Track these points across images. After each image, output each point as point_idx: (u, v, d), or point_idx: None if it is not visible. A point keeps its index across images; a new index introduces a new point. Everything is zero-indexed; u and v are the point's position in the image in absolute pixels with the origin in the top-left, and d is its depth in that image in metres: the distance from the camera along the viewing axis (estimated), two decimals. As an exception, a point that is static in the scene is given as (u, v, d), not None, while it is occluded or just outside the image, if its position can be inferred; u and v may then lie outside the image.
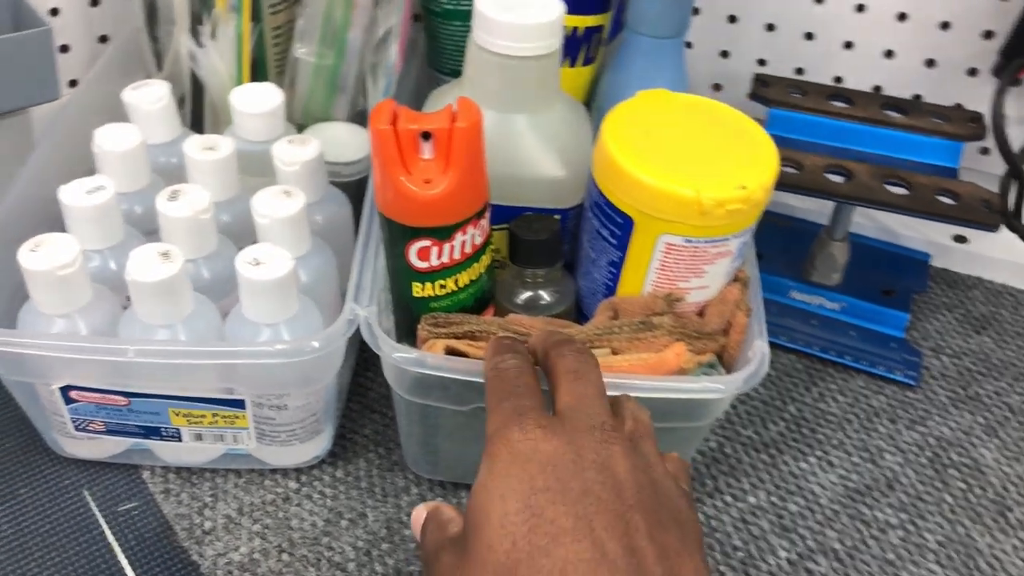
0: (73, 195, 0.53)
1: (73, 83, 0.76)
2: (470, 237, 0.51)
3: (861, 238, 0.77)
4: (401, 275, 0.52)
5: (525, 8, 0.53)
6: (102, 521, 0.56)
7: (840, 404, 0.67)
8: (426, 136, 0.48)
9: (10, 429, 0.60)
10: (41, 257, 0.49)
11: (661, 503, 0.38)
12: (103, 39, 0.76)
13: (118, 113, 0.68)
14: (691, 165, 0.49)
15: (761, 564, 0.57)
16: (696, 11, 0.75)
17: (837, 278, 0.72)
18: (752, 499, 0.60)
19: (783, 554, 0.57)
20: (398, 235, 0.51)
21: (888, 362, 0.69)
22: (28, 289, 0.51)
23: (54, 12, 0.72)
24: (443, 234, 0.50)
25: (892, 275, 0.74)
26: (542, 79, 0.55)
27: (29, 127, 0.74)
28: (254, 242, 0.61)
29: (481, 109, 0.49)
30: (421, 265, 0.51)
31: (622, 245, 0.51)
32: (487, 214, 0.52)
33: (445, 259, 0.51)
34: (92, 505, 0.56)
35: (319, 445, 0.58)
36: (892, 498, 0.61)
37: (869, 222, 0.77)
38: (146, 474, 0.58)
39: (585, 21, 0.60)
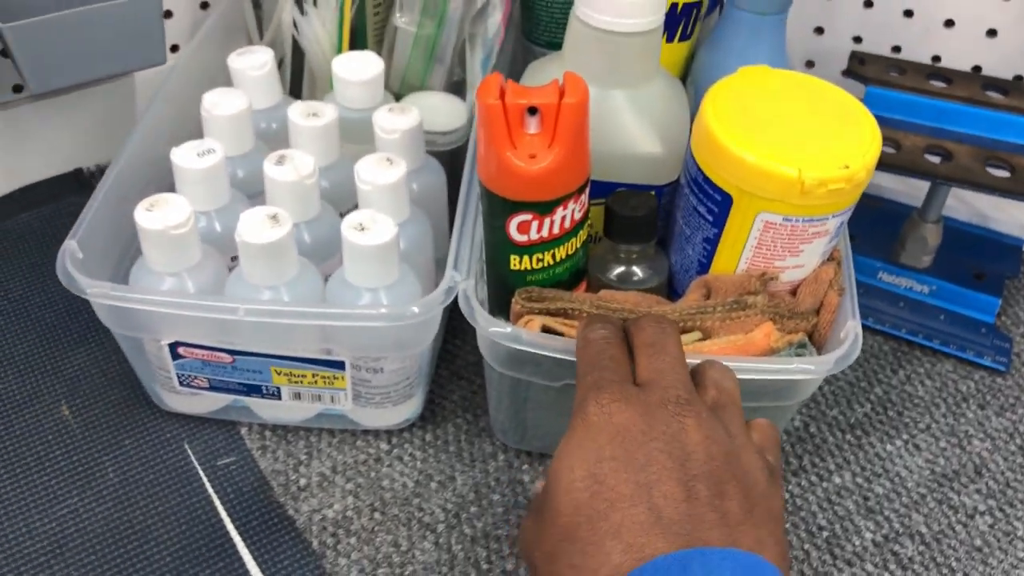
0: (185, 157, 0.55)
1: (175, 48, 0.77)
2: (570, 212, 0.52)
3: (952, 221, 0.76)
4: (499, 247, 0.53)
5: (631, -17, 0.53)
6: (202, 474, 0.58)
7: (927, 388, 0.66)
8: (532, 111, 0.49)
9: (114, 382, 0.62)
10: (156, 216, 0.51)
11: (732, 473, 0.39)
12: (204, 5, 0.78)
13: (219, 78, 0.70)
14: (793, 143, 0.49)
15: (846, 544, 0.57)
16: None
17: (927, 261, 0.71)
18: (838, 479, 0.60)
19: (868, 535, 0.57)
20: (499, 208, 0.51)
21: (977, 347, 0.68)
22: (142, 246, 0.53)
23: (159, -23, 0.73)
24: (544, 208, 0.51)
25: (983, 259, 0.73)
26: (644, 55, 0.55)
27: (133, 90, 0.76)
28: (352, 207, 0.63)
29: (583, 84, 0.49)
30: (520, 238, 0.52)
31: (719, 222, 0.52)
32: (587, 190, 0.52)
33: (544, 233, 0.52)
34: (193, 458, 0.59)
35: (411, 408, 0.60)
36: (980, 484, 0.60)
37: (960, 204, 0.76)
38: (243, 430, 0.60)
39: (685, -4, 0.60)
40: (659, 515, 0.36)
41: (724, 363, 0.45)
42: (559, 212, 0.51)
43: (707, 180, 0.51)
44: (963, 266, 0.72)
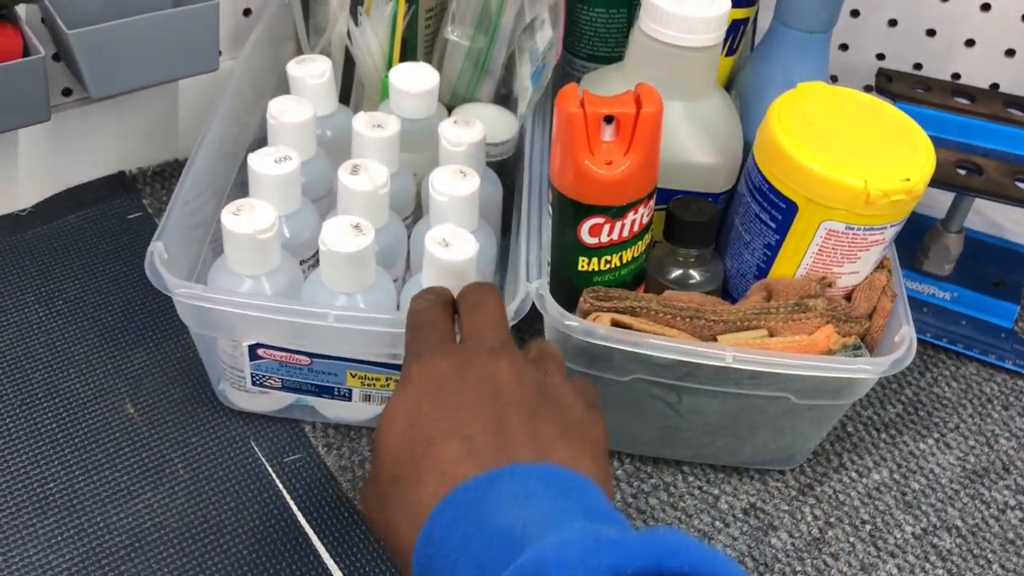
0: (263, 163, 0.57)
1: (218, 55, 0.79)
2: (639, 217, 0.54)
3: (969, 231, 0.79)
4: (569, 249, 0.55)
5: (694, 0, 0.56)
6: (271, 470, 0.59)
7: (954, 389, 0.70)
8: (608, 119, 0.51)
9: (175, 381, 0.64)
10: (243, 220, 0.53)
11: (545, 400, 0.41)
12: (247, 12, 0.79)
13: (267, 85, 0.72)
14: (855, 155, 0.52)
15: (888, 537, 0.60)
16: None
17: (949, 269, 0.75)
18: (876, 476, 0.63)
19: (908, 528, 0.60)
20: (572, 212, 0.54)
21: (999, 351, 0.71)
22: (226, 249, 0.54)
23: (206, -14, 0.75)
24: (617, 213, 0.53)
25: (1001, 268, 0.77)
26: (704, 69, 0.58)
27: (176, 95, 0.78)
28: (410, 215, 0.65)
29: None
30: (591, 241, 0.54)
31: (782, 229, 0.54)
32: (654, 196, 0.55)
33: (615, 236, 0.54)
34: (260, 455, 0.60)
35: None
36: (1009, 480, 0.64)
37: (976, 216, 0.80)
38: (307, 428, 0.62)
39: (734, 14, 0.63)
40: (472, 444, 0.38)
41: (794, 363, 0.47)
42: (630, 216, 0.54)
43: (772, 189, 0.54)
44: (982, 274, 0.75)
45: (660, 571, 0.30)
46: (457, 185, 0.57)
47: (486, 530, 0.35)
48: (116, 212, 0.76)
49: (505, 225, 0.68)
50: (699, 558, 0.30)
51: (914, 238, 0.75)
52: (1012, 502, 0.62)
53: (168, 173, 0.79)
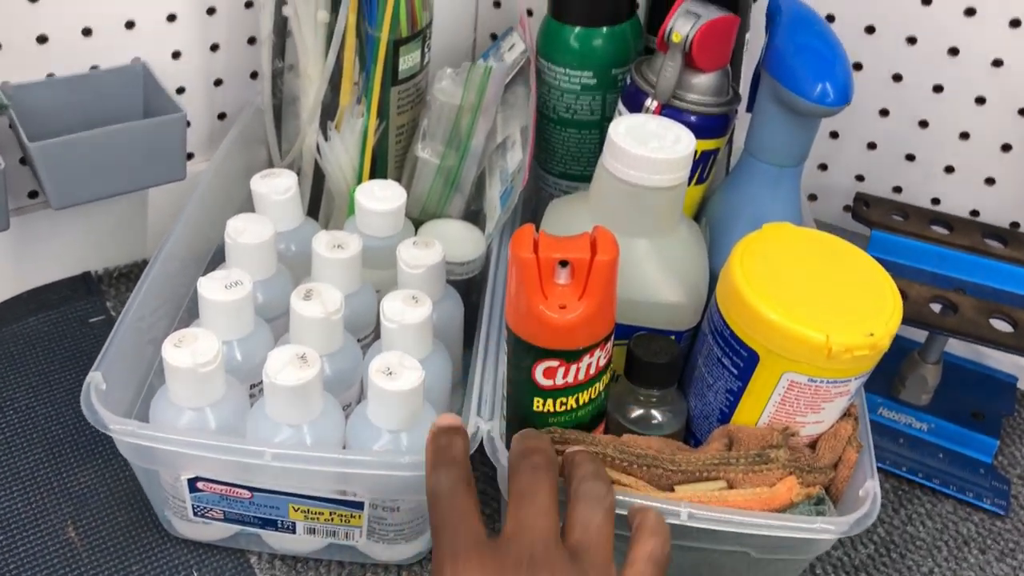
0: (212, 289, 0.56)
1: (190, 156, 0.78)
2: (596, 359, 0.52)
3: (949, 356, 0.78)
4: (523, 389, 0.54)
5: (658, 141, 0.55)
6: (211, 605, 0.57)
7: (928, 529, 0.67)
8: (564, 263, 0.50)
9: (121, 503, 0.62)
10: (185, 353, 0.51)
11: None
12: (222, 116, 0.78)
13: (238, 192, 0.71)
14: (819, 306, 0.51)
15: None
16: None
17: (927, 399, 0.73)
18: (844, 625, 0.61)
19: None
20: (526, 353, 0.52)
21: (977, 488, 0.69)
22: (167, 382, 0.53)
23: (180, 91, 0.75)
24: (571, 356, 0.51)
25: (980, 397, 0.75)
26: (668, 207, 0.56)
27: (145, 196, 0.77)
28: (371, 333, 0.64)
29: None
30: (546, 383, 0.53)
31: (744, 376, 0.53)
32: (612, 338, 0.53)
33: (570, 379, 0.52)
34: (201, 588, 0.58)
35: (423, 543, 0.60)
36: (983, 634, 0.61)
37: (957, 342, 0.78)
38: (253, 559, 0.60)
39: (704, 145, 0.62)
40: None
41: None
42: (585, 360, 0.52)
43: (734, 335, 0.52)
44: (961, 404, 0.73)
45: None
46: (408, 312, 0.56)
47: None
48: (78, 315, 0.74)
49: (469, 341, 0.66)
50: None
51: (892, 365, 0.74)
52: (986, 658, 0.60)
53: (135, 274, 0.78)
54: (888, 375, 0.74)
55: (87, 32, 0.68)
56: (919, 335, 0.72)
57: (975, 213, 0.76)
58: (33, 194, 0.73)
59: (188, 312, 0.65)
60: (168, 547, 0.60)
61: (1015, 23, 0.67)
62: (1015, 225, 0.74)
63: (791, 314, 0.50)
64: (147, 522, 0.61)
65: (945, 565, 0.65)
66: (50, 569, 0.58)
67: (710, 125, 0.61)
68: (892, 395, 0.73)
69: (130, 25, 0.70)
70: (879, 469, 0.70)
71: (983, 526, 0.68)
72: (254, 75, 0.78)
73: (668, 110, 0.61)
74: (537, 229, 0.50)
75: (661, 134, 0.55)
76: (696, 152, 0.62)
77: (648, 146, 0.54)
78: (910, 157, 0.76)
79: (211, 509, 0.56)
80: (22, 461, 0.63)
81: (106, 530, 0.60)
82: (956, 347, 0.78)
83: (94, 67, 0.69)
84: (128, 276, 0.78)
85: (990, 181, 0.74)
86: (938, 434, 0.72)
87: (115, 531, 0.60)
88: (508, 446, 0.55)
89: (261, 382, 0.59)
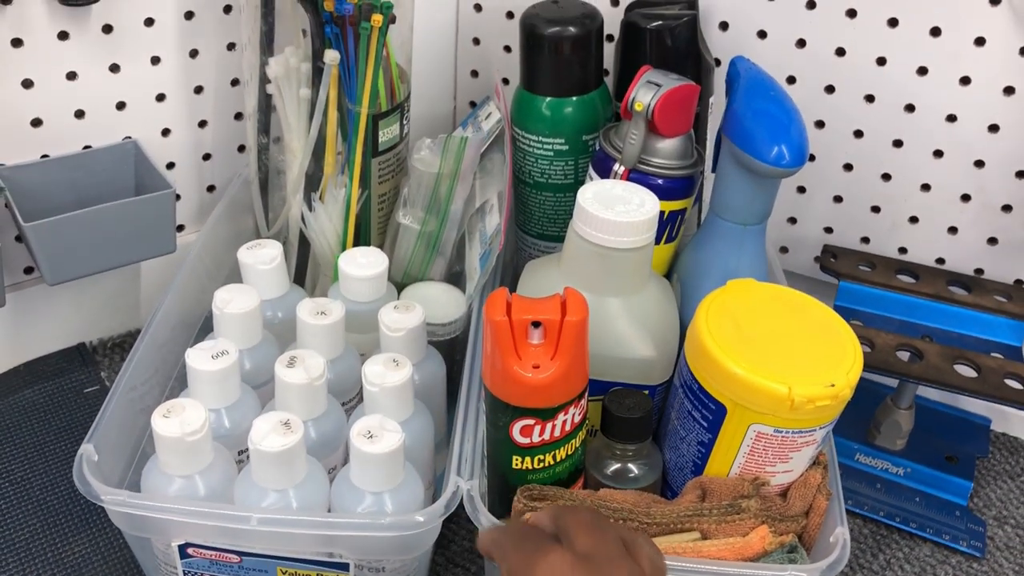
0: (200, 359, 0.58)
1: (180, 227, 0.81)
2: (571, 416, 0.54)
3: (922, 399, 0.79)
4: (502, 447, 0.56)
5: (625, 204, 0.57)
6: (203, 669, 0.58)
7: (907, 574, 0.68)
8: (535, 324, 0.52)
9: (115, 573, 0.63)
10: (173, 424, 0.53)
11: None
12: (211, 188, 0.81)
13: (227, 259, 0.74)
14: (782, 359, 0.53)
15: None
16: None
17: (901, 444, 0.74)
18: (825, 671, 0.62)
19: None
20: (503, 412, 0.54)
21: (953, 531, 0.71)
22: (157, 451, 0.55)
23: (170, 165, 0.78)
24: (547, 415, 0.53)
25: (954, 440, 0.77)
26: (637, 266, 0.59)
27: (138, 268, 0.79)
28: (355, 396, 0.65)
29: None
30: (523, 441, 0.55)
31: (713, 428, 0.55)
32: (586, 394, 0.55)
33: (546, 436, 0.54)
34: (194, 652, 0.59)
35: (410, 600, 0.61)
36: (963, 675, 0.62)
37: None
38: (244, 622, 0.61)
39: (671, 206, 0.64)
40: None
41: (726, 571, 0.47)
42: (560, 417, 0.54)
43: (702, 389, 0.54)
44: (936, 448, 0.75)
45: None
46: (389, 375, 0.58)
47: None
48: (73, 386, 0.76)
49: (452, 401, 0.68)
50: None
51: (867, 411, 0.76)
52: None
53: (128, 344, 0.81)
54: (863, 421, 0.76)
55: (79, 114, 0.71)
56: (892, 381, 0.74)
57: (940, 260, 0.78)
58: (29, 270, 0.75)
59: (178, 380, 0.67)
60: (161, 613, 0.61)
61: (965, 80, 0.71)
62: (979, 271, 0.77)
63: (755, 368, 0.52)
64: (140, 588, 0.62)
65: (924, 608, 0.66)
66: (46, 638, 0.59)
67: (676, 187, 0.64)
68: (868, 441, 0.75)
69: (121, 106, 0.73)
70: (857, 514, 0.72)
71: (960, 568, 0.69)
72: (241, 148, 0.81)
73: (635, 175, 0.63)
74: (515, 289, 0.53)
75: (627, 198, 0.58)
76: (664, 213, 0.65)
77: (615, 210, 0.57)
78: (875, 208, 0.78)
79: (202, 575, 0.57)
80: (18, 532, 0.65)
81: (100, 598, 0.61)
82: (929, 392, 0.80)
83: (87, 147, 0.72)
84: (122, 346, 0.80)
85: (952, 230, 0.77)
86: (914, 478, 0.74)
87: (109, 598, 0.61)
88: (489, 503, 0.57)
89: (247, 449, 0.61)
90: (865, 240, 0.80)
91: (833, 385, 0.52)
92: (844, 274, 0.74)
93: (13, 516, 0.66)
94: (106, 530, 0.65)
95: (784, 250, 0.84)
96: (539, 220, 0.74)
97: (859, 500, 0.72)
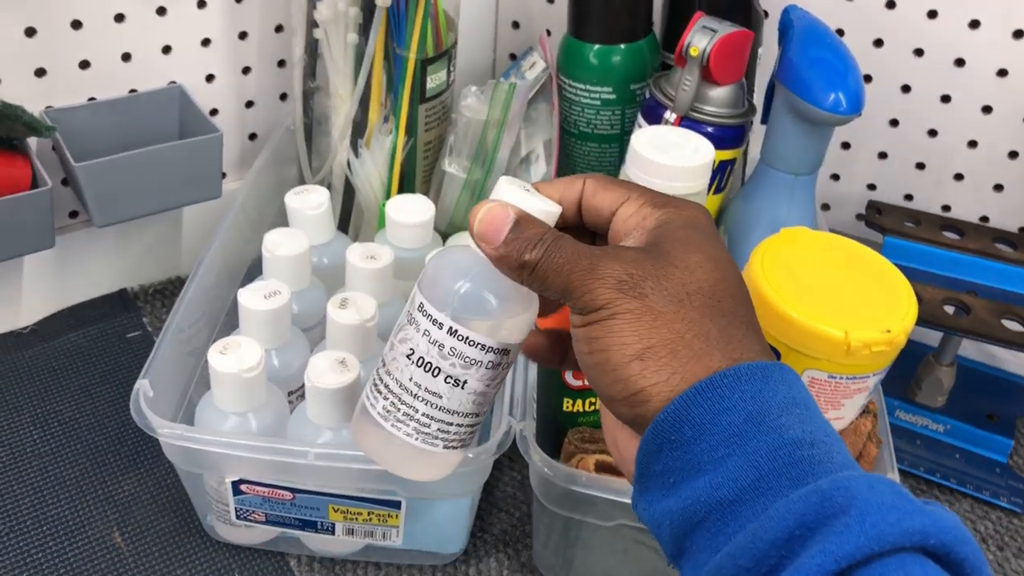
0: (252, 299, 0.58)
1: (223, 175, 0.81)
2: (623, 361, 0.55)
3: (963, 359, 0.79)
4: (553, 390, 0.56)
5: (679, 149, 0.57)
6: (253, 605, 0.59)
7: (948, 527, 0.69)
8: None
9: (164, 510, 0.64)
10: (230, 360, 0.54)
11: None
12: (252, 136, 0.81)
13: (270, 208, 0.74)
14: (836, 304, 0.53)
15: None
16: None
17: (942, 401, 0.74)
18: (867, 619, 0.62)
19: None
20: (556, 355, 0.54)
21: (993, 487, 0.71)
22: (212, 387, 0.55)
23: (214, 112, 0.77)
24: (600, 358, 0.54)
25: (995, 399, 0.77)
26: (690, 213, 0.59)
27: (180, 215, 0.80)
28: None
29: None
30: (575, 383, 0.55)
31: (765, 375, 0.55)
32: (639, 339, 0.55)
33: (599, 380, 0.55)
34: (243, 588, 0.60)
35: (456, 543, 0.61)
36: (1003, 626, 0.63)
37: (972, 346, 0.80)
38: (292, 562, 0.62)
39: (722, 155, 0.64)
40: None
41: None
42: (613, 362, 0.54)
43: (754, 336, 0.54)
44: (976, 406, 0.75)
45: (951, 551, 0.30)
46: None
47: (771, 437, 0.32)
48: (116, 330, 0.77)
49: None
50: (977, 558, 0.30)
51: (908, 368, 0.75)
52: (1007, 650, 0.61)
53: (169, 291, 0.81)
54: (904, 379, 0.76)
55: (126, 57, 0.71)
56: (933, 339, 0.74)
57: (984, 219, 0.78)
58: (74, 214, 0.75)
59: (225, 325, 0.68)
60: (210, 551, 0.62)
61: (1018, 34, 0.70)
62: (1023, 231, 0.77)
63: (810, 312, 0.52)
64: (190, 527, 0.63)
65: (964, 561, 0.66)
66: (98, 573, 0.60)
67: (727, 136, 0.64)
68: (909, 398, 0.75)
69: (167, 50, 0.73)
70: (898, 469, 0.72)
71: (1000, 524, 0.69)
72: (283, 97, 0.81)
73: (687, 122, 0.63)
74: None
75: (681, 144, 0.58)
76: (714, 162, 0.65)
77: (669, 155, 0.56)
78: (920, 166, 0.78)
79: (253, 511, 0.58)
80: (68, 470, 0.66)
81: (150, 535, 0.62)
82: (970, 351, 0.80)
83: (132, 91, 0.72)
84: (163, 293, 0.81)
85: (998, 188, 0.76)
86: (954, 435, 0.74)
87: (159, 536, 0.62)
88: (538, 444, 0.57)
89: (298, 390, 0.62)
90: (908, 197, 0.80)
91: (889, 331, 0.51)
92: (889, 229, 0.74)
93: (63, 455, 0.66)
94: (154, 470, 0.66)
95: (826, 207, 0.83)
96: (583, 171, 0.74)
97: (900, 456, 0.72)
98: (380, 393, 0.41)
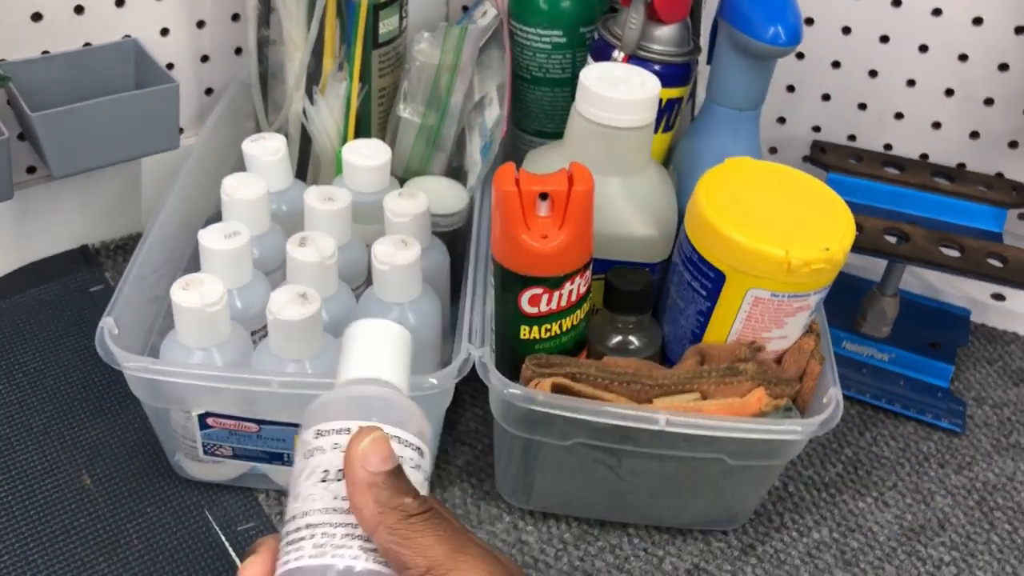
0: (212, 239, 0.59)
1: (180, 131, 0.81)
2: (576, 286, 0.57)
3: (906, 293, 0.82)
4: (511, 319, 0.58)
5: (626, 84, 0.59)
6: (224, 540, 0.61)
7: (892, 448, 0.72)
8: (544, 196, 0.54)
9: (132, 452, 0.65)
10: (192, 295, 0.55)
11: None
12: (208, 91, 0.82)
13: (228, 161, 0.75)
14: (778, 227, 0.55)
15: (827, 594, 0.61)
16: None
17: (887, 331, 0.77)
18: (816, 535, 0.65)
19: (847, 585, 0.62)
20: (512, 283, 0.56)
21: (935, 410, 0.74)
22: (176, 323, 0.56)
23: (169, 67, 0.78)
24: (554, 283, 0.56)
25: (937, 329, 0.80)
26: (637, 147, 0.61)
27: (139, 170, 0.80)
28: (362, 284, 0.67)
29: (584, 172, 0.55)
30: (531, 310, 0.57)
31: (712, 297, 0.57)
32: (591, 266, 0.57)
33: (553, 306, 0.57)
34: (214, 524, 0.61)
35: (421, 473, 0.63)
36: (944, 537, 0.66)
37: (914, 279, 0.83)
38: (261, 497, 0.63)
39: (669, 93, 0.66)
40: None
41: (725, 426, 0.47)
42: (567, 286, 0.56)
43: (702, 259, 0.56)
44: (919, 336, 0.78)
45: None
46: (399, 254, 0.59)
47: None
48: (78, 285, 0.78)
49: (456, 293, 0.70)
50: None
51: (853, 302, 0.78)
52: (947, 558, 0.64)
53: (130, 247, 0.82)
54: (850, 311, 0.78)
55: (79, 10, 0.71)
56: (876, 274, 0.76)
57: (924, 156, 0.81)
58: (31, 169, 0.76)
59: (186, 273, 0.68)
60: (179, 489, 0.63)
61: (952, -27, 0.73)
62: (961, 166, 0.79)
63: (753, 234, 0.54)
64: (159, 467, 0.64)
65: (908, 479, 0.70)
66: (68, 513, 0.61)
67: (673, 74, 0.66)
68: (855, 330, 0.78)
69: (120, 3, 0.73)
70: (845, 396, 0.75)
71: (942, 444, 0.72)
72: (238, 51, 0.82)
73: (634, 61, 0.65)
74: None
75: (628, 79, 0.60)
76: (661, 101, 0.67)
77: (617, 89, 0.58)
78: (862, 106, 0.81)
79: (220, 446, 0.59)
80: (35, 418, 0.66)
81: (119, 476, 0.63)
82: (913, 285, 0.83)
83: (87, 44, 0.73)
84: (124, 248, 0.82)
85: (936, 125, 0.79)
86: (898, 363, 0.77)
87: (128, 477, 0.63)
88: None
89: (260, 330, 0.63)
90: (852, 138, 0.83)
91: (828, 249, 0.54)
92: (832, 166, 0.76)
93: (29, 404, 0.67)
94: (121, 415, 0.67)
95: (773, 150, 0.86)
96: (536, 116, 0.76)
97: (847, 384, 0.75)
98: (303, 539, 0.35)
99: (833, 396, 0.56)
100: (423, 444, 0.40)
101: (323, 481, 0.37)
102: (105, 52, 0.73)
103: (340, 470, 0.36)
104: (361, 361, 0.42)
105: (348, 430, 0.37)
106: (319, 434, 0.38)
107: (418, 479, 0.38)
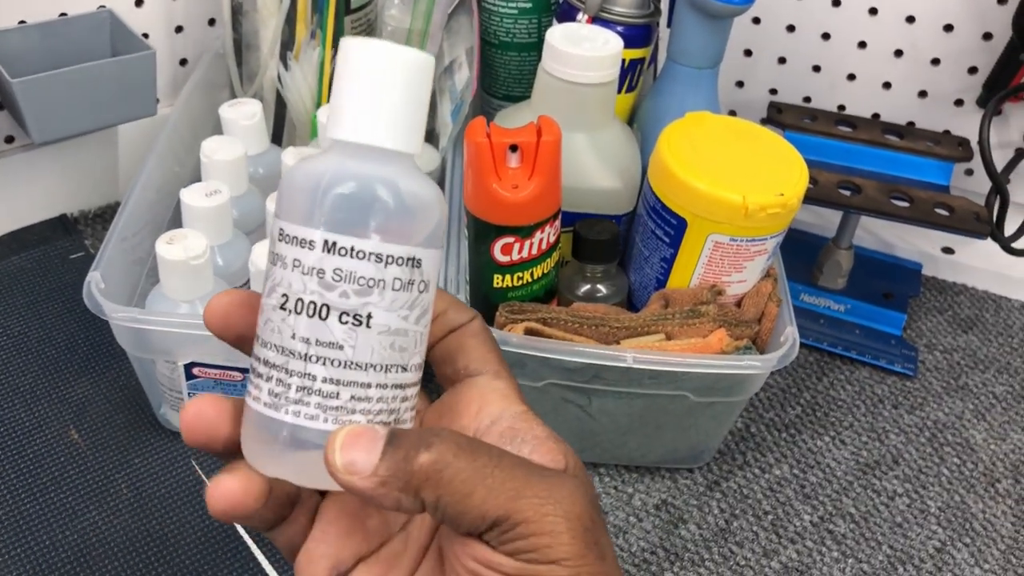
0: (194, 197, 0.61)
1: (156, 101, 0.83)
2: (546, 235, 0.59)
3: (861, 249, 0.86)
4: (484, 268, 0.60)
5: (590, 42, 0.62)
6: (211, 486, 0.63)
7: (848, 392, 0.76)
8: (513, 148, 0.57)
9: (118, 407, 0.67)
10: (177, 249, 0.57)
11: None
12: (183, 62, 0.84)
13: (204, 128, 0.76)
14: (736, 175, 0.58)
15: (788, 525, 0.65)
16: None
17: (842, 283, 0.81)
18: (777, 471, 0.69)
19: (807, 517, 0.66)
20: (485, 232, 0.59)
21: (889, 356, 0.78)
22: (161, 276, 0.58)
23: (144, 36, 0.79)
24: (525, 232, 0.58)
25: (890, 281, 0.84)
26: (601, 103, 0.63)
27: (115, 140, 0.82)
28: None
29: (553, 127, 0.57)
30: (503, 259, 0.59)
31: (675, 243, 0.60)
32: (560, 216, 0.60)
33: (524, 254, 0.59)
34: (200, 473, 0.64)
35: (400, 421, 0.66)
36: (897, 471, 0.69)
37: (868, 235, 0.87)
38: (245, 446, 0.65)
39: (631, 54, 0.69)
40: None
41: (688, 362, 0.51)
42: (537, 235, 0.59)
43: (664, 207, 0.59)
44: (873, 288, 0.82)
45: None
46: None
47: None
48: (58, 253, 0.79)
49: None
50: None
51: (810, 257, 0.82)
52: (900, 490, 0.68)
53: (109, 216, 0.83)
54: (808, 265, 0.82)
55: (55, -20, 0.73)
56: (831, 230, 0.80)
57: (876, 116, 0.84)
58: (9, 139, 0.77)
59: (167, 235, 0.70)
60: (166, 441, 0.65)
61: (899, -62, 0.76)
62: (911, 124, 0.83)
63: (712, 182, 0.57)
64: (145, 421, 0.66)
65: (864, 420, 0.73)
66: (57, 467, 0.63)
67: (635, 35, 0.68)
68: (812, 282, 0.82)
69: (94, -27, 0.74)
70: (803, 345, 0.79)
71: (895, 387, 0.76)
72: (212, 22, 0.83)
73: (597, 22, 0.67)
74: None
75: (592, 38, 0.62)
76: (624, 61, 0.70)
77: (581, 47, 0.61)
78: (816, 68, 0.84)
79: (207, 396, 0.61)
80: (21, 379, 0.68)
81: (106, 431, 0.65)
82: (867, 241, 0.87)
83: (63, 14, 0.74)
84: (103, 218, 0.83)
85: (887, 85, 0.83)
86: (854, 313, 0.80)
87: (115, 431, 0.65)
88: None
89: (242, 286, 0.65)
90: (807, 99, 0.86)
91: (782, 194, 0.57)
92: (788, 125, 0.79)
93: (14, 365, 0.69)
94: (107, 372, 0.69)
95: (732, 113, 0.89)
96: (504, 81, 0.78)
97: (805, 333, 0.79)
98: (261, 376, 0.30)
99: (790, 334, 0.59)
100: (422, 251, 0.30)
101: (283, 308, 0.29)
102: (81, 22, 0.74)
103: (299, 300, 0.29)
104: (354, 114, 0.30)
105: (311, 244, 0.29)
106: (282, 235, 0.30)
107: (411, 315, 0.30)
